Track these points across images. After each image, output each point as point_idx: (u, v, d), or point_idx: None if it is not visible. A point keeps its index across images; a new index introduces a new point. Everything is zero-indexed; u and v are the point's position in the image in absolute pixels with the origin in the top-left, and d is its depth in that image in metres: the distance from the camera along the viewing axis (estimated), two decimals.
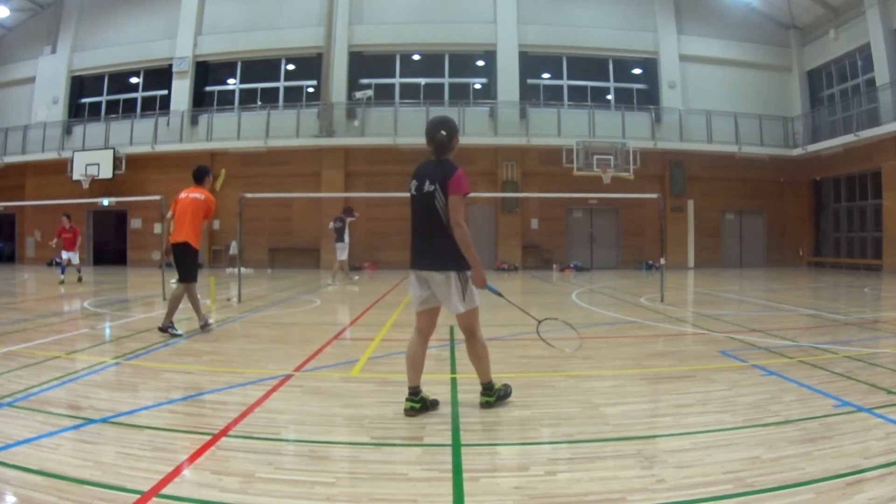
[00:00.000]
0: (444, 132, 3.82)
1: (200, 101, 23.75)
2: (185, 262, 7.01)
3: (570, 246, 23.21)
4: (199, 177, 7.22)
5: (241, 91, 24.15)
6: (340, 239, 14.84)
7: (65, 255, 14.91)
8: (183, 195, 7.14)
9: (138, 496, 2.52)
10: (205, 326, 7.10)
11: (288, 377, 4.81)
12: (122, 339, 6.72)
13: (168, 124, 23.04)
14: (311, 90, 23.65)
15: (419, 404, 3.78)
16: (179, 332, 6.81)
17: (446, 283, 3.72)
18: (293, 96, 23.72)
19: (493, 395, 3.95)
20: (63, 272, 14.75)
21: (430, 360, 5.61)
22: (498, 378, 4.18)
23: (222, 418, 3.65)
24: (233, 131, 22.48)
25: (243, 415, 3.74)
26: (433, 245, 3.75)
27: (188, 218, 6.94)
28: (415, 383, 3.81)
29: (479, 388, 4.03)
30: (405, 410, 3.78)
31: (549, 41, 23.40)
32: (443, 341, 6.63)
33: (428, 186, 3.74)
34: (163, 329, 6.75)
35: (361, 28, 23.35)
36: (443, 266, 3.72)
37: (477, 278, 3.71)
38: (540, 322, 4.50)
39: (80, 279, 14.97)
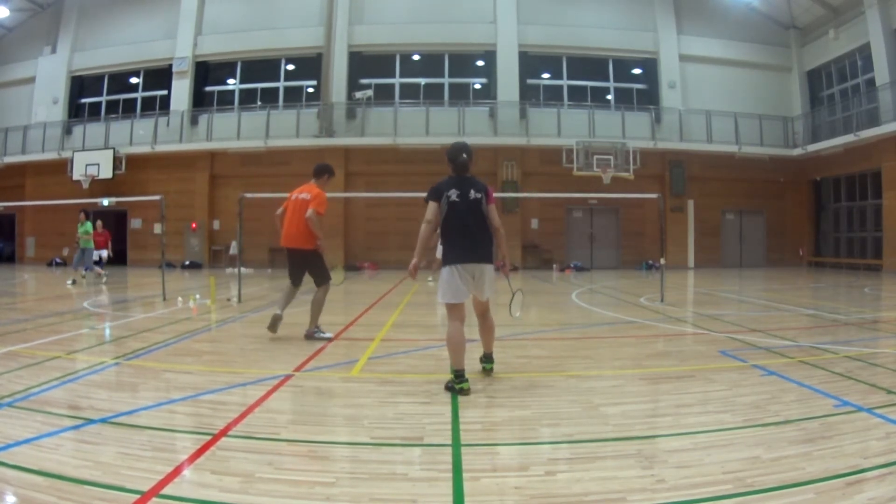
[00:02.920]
0: (465, 155, 4.53)
1: (200, 101, 23.74)
2: (311, 265, 6.71)
3: (570, 246, 23.22)
4: (316, 173, 6.83)
5: (241, 91, 24.15)
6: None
7: (100, 253, 16.47)
8: (293, 195, 6.72)
9: (138, 496, 2.52)
10: (309, 336, 6.62)
11: (288, 377, 4.81)
12: (122, 339, 6.72)
13: (168, 124, 23.04)
14: (311, 90, 23.64)
15: (468, 384, 4.32)
16: (327, 334, 6.65)
17: (491, 273, 4.56)
18: (293, 96, 23.73)
19: (493, 363, 4.84)
20: (93, 268, 15.77)
21: (431, 360, 5.63)
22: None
23: (222, 418, 3.65)
24: (233, 131, 22.48)
25: (243, 415, 3.74)
26: (485, 242, 4.54)
27: (296, 220, 6.61)
28: (463, 365, 4.36)
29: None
30: (463, 391, 4.23)
31: (549, 41, 23.40)
32: (444, 341, 6.63)
33: (474, 195, 4.50)
34: (308, 336, 6.56)
35: (361, 28, 23.35)
36: (491, 259, 4.58)
37: (508, 268, 4.81)
38: (515, 293, 4.95)
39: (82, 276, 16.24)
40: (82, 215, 15.15)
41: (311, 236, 6.59)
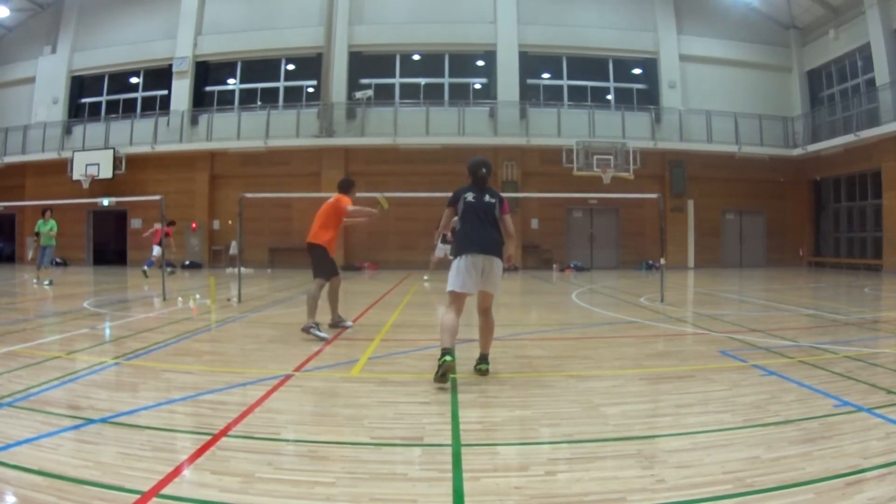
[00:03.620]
0: (484, 170, 5.01)
1: (200, 101, 23.74)
2: (314, 260, 7.18)
3: (570, 246, 23.22)
4: (344, 189, 7.45)
5: (241, 91, 24.14)
6: (445, 241, 14.34)
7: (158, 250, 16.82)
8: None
9: (138, 496, 2.52)
10: (305, 330, 6.64)
11: (288, 377, 4.81)
12: (122, 339, 6.72)
13: (168, 124, 23.03)
14: (311, 90, 23.64)
15: (452, 358, 4.47)
16: (324, 335, 6.56)
17: (500, 268, 4.87)
18: (293, 96, 23.72)
19: (488, 364, 4.87)
20: (168, 267, 15.78)
21: (431, 360, 5.61)
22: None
23: (222, 418, 3.65)
24: (233, 131, 22.48)
25: (243, 415, 3.74)
26: (496, 238, 4.89)
27: (316, 220, 7.23)
28: (450, 345, 4.55)
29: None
30: (446, 363, 4.36)
31: (549, 41, 23.39)
32: None
33: (489, 199, 4.97)
34: (305, 330, 6.59)
35: (361, 28, 23.35)
36: (501, 255, 4.91)
37: (511, 263, 5.12)
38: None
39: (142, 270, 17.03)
40: (48, 213, 15.16)
41: (325, 234, 7.08)
